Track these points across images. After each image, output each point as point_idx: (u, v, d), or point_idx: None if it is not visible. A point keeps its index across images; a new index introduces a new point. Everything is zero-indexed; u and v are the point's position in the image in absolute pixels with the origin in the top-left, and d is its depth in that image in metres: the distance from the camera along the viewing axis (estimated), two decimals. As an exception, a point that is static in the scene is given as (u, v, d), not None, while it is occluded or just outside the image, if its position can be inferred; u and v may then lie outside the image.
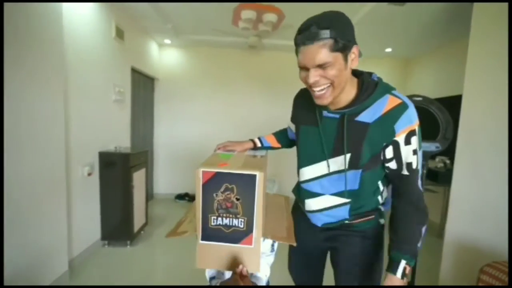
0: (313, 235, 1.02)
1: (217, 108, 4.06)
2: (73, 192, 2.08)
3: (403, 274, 0.81)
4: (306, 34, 0.72)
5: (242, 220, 0.76)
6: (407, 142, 0.81)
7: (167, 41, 3.75)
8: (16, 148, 1.45)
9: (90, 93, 2.27)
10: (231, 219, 0.77)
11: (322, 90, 0.79)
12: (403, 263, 0.82)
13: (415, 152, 0.81)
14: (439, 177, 2.93)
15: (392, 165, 0.84)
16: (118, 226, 2.46)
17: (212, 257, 0.81)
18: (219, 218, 0.77)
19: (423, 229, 0.85)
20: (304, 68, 0.78)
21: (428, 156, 1.63)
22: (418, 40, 3.26)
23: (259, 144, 1.14)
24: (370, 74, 0.89)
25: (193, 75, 4.01)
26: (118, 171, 2.40)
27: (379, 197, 0.94)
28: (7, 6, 1.34)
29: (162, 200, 3.97)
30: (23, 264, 1.52)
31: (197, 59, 4.00)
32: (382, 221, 0.97)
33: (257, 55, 3.96)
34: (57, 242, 1.82)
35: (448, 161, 3.05)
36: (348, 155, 0.85)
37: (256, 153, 1.02)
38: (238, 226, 0.77)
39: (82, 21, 2.11)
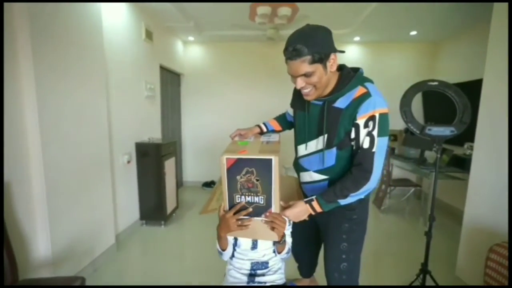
0: None
1: (239, 99, 4.23)
2: (116, 177, 2.40)
3: (309, 202, 1.02)
4: (290, 52, 0.92)
5: (262, 197, 0.90)
6: (366, 125, 0.96)
7: (191, 38, 3.97)
8: (70, 139, 1.75)
9: (126, 91, 2.56)
10: (252, 197, 0.91)
11: (307, 90, 1.00)
12: (314, 197, 1.02)
13: (368, 133, 0.96)
14: (467, 164, 2.83)
15: (354, 143, 1.01)
16: (153, 208, 2.78)
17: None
18: (243, 197, 0.91)
19: (350, 196, 1.00)
20: (292, 76, 0.99)
21: (442, 141, 1.64)
22: (445, 21, 3.09)
23: (265, 129, 1.35)
24: (355, 69, 1.06)
25: (216, 69, 4.21)
26: (151, 160, 2.69)
27: None
28: (53, 14, 1.61)
29: (191, 187, 4.30)
30: (78, 236, 1.85)
31: (219, 53, 4.18)
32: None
33: (276, 46, 4.03)
34: (106, 218, 2.15)
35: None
36: (326, 136, 1.04)
37: (270, 139, 1.17)
38: (259, 203, 0.92)
39: (115, 26, 2.38)
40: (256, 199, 0.91)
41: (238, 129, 1.26)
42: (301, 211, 1.01)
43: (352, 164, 1.02)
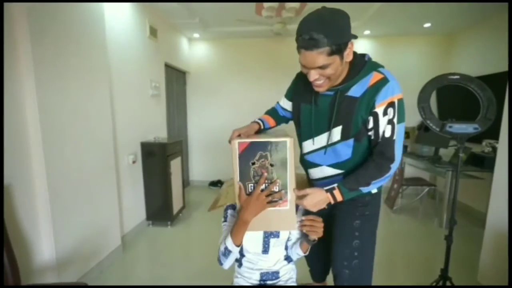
0: None
1: (246, 97, 4.15)
2: (121, 178, 2.37)
3: (330, 190, 0.95)
4: (306, 41, 0.82)
5: (277, 184, 0.84)
6: (385, 113, 0.91)
7: (196, 35, 3.90)
8: (73, 139, 1.71)
9: (131, 90, 2.51)
10: (267, 185, 0.84)
11: (320, 82, 0.92)
12: (335, 185, 0.96)
13: (389, 121, 0.91)
14: (486, 162, 2.69)
15: (372, 134, 0.95)
16: (159, 208, 2.74)
17: (253, 221, 0.88)
18: (256, 185, 0.84)
19: (372, 184, 0.96)
20: (305, 67, 0.90)
21: (464, 139, 1.53)
22: (460, 11, 2.91)
23: (262, 126, 1.23)
24: (362, 55, 0.99)
25: (222, 67, 4.14)
26: (157, 159, 2.65)
27: None
28: (54, 11, 1.56)
29: (197, 187, 4.26)
30: (84, 238, 1.82)
31: (225, 50, 4.10)
32: (374, 190, 1.07)
33: (283, 42, 3.93)
34: (111, 220, 2.11)
35: (497, 145, 2.76)
36: (340, 127, 0.97)
37: (275, 132, 1.10)
38: (274, 191, 0.85)
39: (119, 24, 2.33)
40: (271, 186, 0.85)
41: (235, 130, 1.06)
42: (320, 200, 0.95)
43: (371, 154, 0.98)
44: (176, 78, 3.83)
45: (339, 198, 0.96)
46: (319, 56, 0.83)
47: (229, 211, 1.03)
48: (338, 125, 0.97)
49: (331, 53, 0.82)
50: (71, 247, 1.69)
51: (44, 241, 1.54)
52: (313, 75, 0.89)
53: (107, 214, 2.05)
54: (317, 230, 0.89)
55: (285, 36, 3.80)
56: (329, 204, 0.98)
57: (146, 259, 2.25)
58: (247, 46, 4.04)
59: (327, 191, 0.96)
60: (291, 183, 0.85)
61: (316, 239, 0.94)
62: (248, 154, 0.83)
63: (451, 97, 3.41)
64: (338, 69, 0.88)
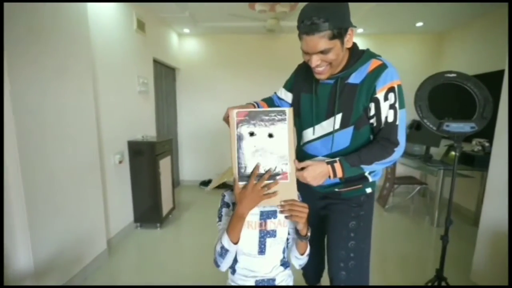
0: (313, 203, 1.07)
1: (238, 95, 4.06)
2: (107, 179, 2.24)
3: (331, 163, 0.93)
4: (307, 26, 0.82)
5: (275, 157, 0.81)
6: (386, 98, 0.92)
7: (186, 30, 3.77)
8: (52, 139, 1.59)
9: (117, 86, 2.39)
10: (265, 158, 0.81)
11: (321, 68, 0.92)
12: (337, 159, 0.94)
13: (391, 106, 0.92)
14: (476, 161, 2.72)
15: (374, 121, 0.95)
16: (148, 210, 2.63)
17: None
18: (253, 159, 0.80)
19: (375, 164, 0.94)
20: (306, 53, 0.90)
21: (461, 138, 1.51)
22: (452, 10, 2.93)
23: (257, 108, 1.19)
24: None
25: (213, 64, 4.03)
26: (145, 159, 2.54)
27: None
28: (31, 5, 1.43)
29: (188, 187, 4.15)
30: (66, 243, 1.70)
31: (216, 47, 4.00)
32: (368, 190, 1.07)
33: (276, 39, 3.86)
34: (96, 223, 2.00)
35: (487, 144, 2.81)
36: (340, 115, 0.97)
37: None
38: (272, 163, 0.81)
39: (104, 16, 2.19)
40: (269, 159, 0.80)
41: (230, 108, 0.93)
42: (321, 172, 0.91)
43: (374, 138, 0.99)
44: (165, 75, 3.70)
45: (339, 172, 0.93)
46: (320, 40, 0.83)
47: (224, 210, 0.97)
48: (339, 112, 0.97)
49: (332, 37, 0.83)
50: (52, 254, 1.58)
51: (20, 248, 1.42)
52: (314, 61, 0.89)
53: (91, 217, 1.94)
54: (299, 215, 0.83)
55: (278, 33, 3.74)
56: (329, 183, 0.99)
57: (134, 264, 2.15)
58: (239, 43, 3.95)
59: (328, 163, 0.93)
60: (291, 154, 0.81)
61: (309, 234, 0.90)
62: (246, 124, 0.80)
63: (440, 96, 3.44)
64: (340, 54, 0.89)
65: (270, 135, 0.80)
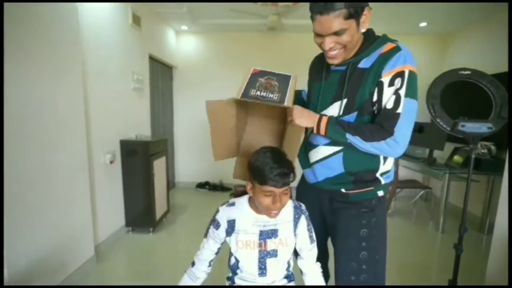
0: (318, 203, 1.04)
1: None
2: (96, 180, 2.10)
3: (320, 115, 0.92)
4: (321, 5, 0.77)
5: (277, 95, 0.90)
6: (391, 83, 0.82)
7: (184, 27, 3.66)
8: (35, 138, 1.45)
9: (109, 82, 2.26)
10: (267, 93, 0.91)
11: (335, 52, 0.86)
12: (327, 115, 0.92)
13: (394, 92, 0.82)
14: (482, 165, 2.63)
15: (376, 107, 0.87)
16: (140, 213, 2.49)
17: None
18: (258, 91, 0.91)
19: (358, 138, 0.85)
20: (319, 35, 0.84)
21: (477, 139, 1.41)
22: (458, 10, 2.86)
23: None
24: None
25: (212, 62, 3.92)
26: (139, 159, 2.40)
27: (380, 162, 0.93)
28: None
29: (184, 189, 4.01)
30: (47, 252, 1.56)
31: (215, 45, 3.89)
32: (380, 193, 0.97)
33: (277, 37, 3.76)
34: (83, 228, 1.86)
35: (493, 147, 2.72)
36: (345, 101, 0.90)
37: None
38: (272, 98, 0.89)
39: (98, 9, 2.07)
40: (271, 95, 0.90)
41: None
42: (309, 115, 0.91)
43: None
44: (162, 73, 3.58)
45: (322, 128, 0.89)
46: (335, 20, 0.78)
47: (211, 229, 0.94)
48: (345, 98, 0.91)
49: (348, 16, 0.77)
50: (32, 262, 1.43)
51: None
52: (328, 43, 0.83)
53: (77, 220, 1.79)
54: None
55: (279, 31, 3.64)
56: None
57: (124, 271, 2.00)
58: (239, 42, 3.84)
59: (319, 115, 0.93)
60: (290, 97, 0.89)
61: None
62: (258, 75, 0.95)
63: (450, 95, 3.37)
64: (354, 36, 0.83)
65: (276, 84, 0.92)
